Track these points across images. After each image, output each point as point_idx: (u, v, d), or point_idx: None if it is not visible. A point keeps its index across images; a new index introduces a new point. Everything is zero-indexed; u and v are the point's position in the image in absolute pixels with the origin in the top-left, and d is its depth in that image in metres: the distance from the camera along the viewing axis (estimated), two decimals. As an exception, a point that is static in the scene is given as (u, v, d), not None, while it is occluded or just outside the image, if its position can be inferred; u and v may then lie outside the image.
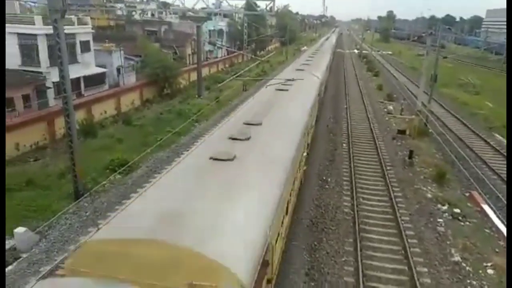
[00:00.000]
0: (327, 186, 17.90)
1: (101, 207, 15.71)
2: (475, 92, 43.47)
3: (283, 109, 13.84)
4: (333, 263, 12.43)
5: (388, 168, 20.14)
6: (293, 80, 18.15)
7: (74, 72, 26.14)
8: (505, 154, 22.75)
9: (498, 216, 15.40)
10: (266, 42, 77.99)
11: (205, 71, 46.03)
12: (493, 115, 32.42)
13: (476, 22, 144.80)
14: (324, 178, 18.76)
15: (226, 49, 61.95)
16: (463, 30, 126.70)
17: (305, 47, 72.49)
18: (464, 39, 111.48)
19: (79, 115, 25.00)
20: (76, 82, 28.32)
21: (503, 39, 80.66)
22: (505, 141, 25.95)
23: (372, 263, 12.49)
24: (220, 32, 63.00)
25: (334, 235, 14.01)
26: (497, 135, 27.18)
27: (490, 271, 12.52)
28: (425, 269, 12.30)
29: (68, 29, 24.40)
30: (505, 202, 16.45)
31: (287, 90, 17.06)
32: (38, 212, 15.32)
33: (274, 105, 14.20)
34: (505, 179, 19.15)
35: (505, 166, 21.18)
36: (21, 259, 12.70)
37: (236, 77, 33.56)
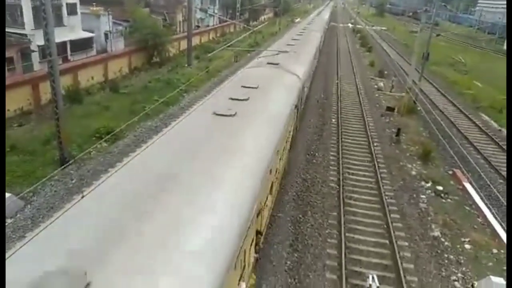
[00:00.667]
0: (314, 161, 18.03)
1: (86, 175, 15.61)
2: (465, 72, 43.59)
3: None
4: (316, 235, 12.70)
5: (375, 144, 20.33)
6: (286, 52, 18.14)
7: (60, 35, 25.24)
8: (490, 134, 23.12)
9: (479, 194, 15.79)
10: (259, 12, 76.28)
11: (195, 40, 44.99)
12: (480, 95, 32.67)
13: (471, 0, 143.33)
14: (312, 152, 18.88)
15: (218, 18, 60.45)
16: (459, 8, 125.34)
17: (298, 19, 71.12)
18: (458, 17, 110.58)
19: (65, 81, 24.35)
20: (62, 46, 27.43)
21: (497, 18, 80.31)
22: (492, 121, 26.32)
23: (355, 236, 12.79)
24: (212, -1, 61.25)
25: (318, 208, 14.24)
26: (484, 115, 27.52)
27: (467, 246, 12.96)
28: (406, 243, 12.66)
29: (53, -10, 23.45)
30: (487, 181, 16.85)
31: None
32: (22, 178, 15.15)
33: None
34: (491, 162, 19.55)
35: (490, 146, 21.59)
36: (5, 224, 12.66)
37: (228, 47, 32.84)
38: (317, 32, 34.76)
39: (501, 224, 13.83)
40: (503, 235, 13.21)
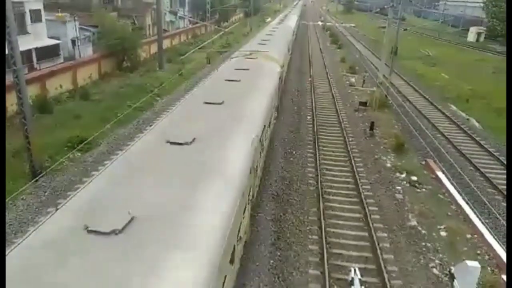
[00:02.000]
0: (291, 159, 18.17)
1: (60, 186, 15.16)
2: (432, 64, 44.94)
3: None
4: (298, 232, 12.80)
5: (350, 139, 20.68)
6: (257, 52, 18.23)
7: (25, 44, 24.45)
8: (459, 124, 23.93)
9: (451, 182, 16.32)
10: (229, 12, 76.15)
11: (166, 43, 44.44)
12: (448, 86, 33.77)
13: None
14: (289, 150, 19.01)
15: (189, 20, 59.96)
16: (423, 3, 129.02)
17: (269, 19, 71.49)
18: (423, 11, 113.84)
19: (32, 90, 23.52)
20: (27, 54, 26.56)
21: (459, 11, 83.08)
22: (459, 111, 27.23)
23: (335, 230, 12.97)
24: (182, 1, 60.65)
25: (298, 205, 14.36)
26: (452, 106, 28.45)
27: (442, 233, 13.36)
28: (385, 234, 12.94)
29: (14, -3, 22.64)
30: (459, 169, 17.42)
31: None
32: (-8, 193, 14.54)
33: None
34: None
35: (460, 135, 22.34)
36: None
37: (199, 49, 32.64)
38: (287, 32, 35.06)
39: (473, 210, 14.33)
40: (476, 221, 13.69)
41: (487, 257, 12.27)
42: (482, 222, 13.55)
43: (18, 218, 13.34)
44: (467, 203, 14.71)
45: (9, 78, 21.23)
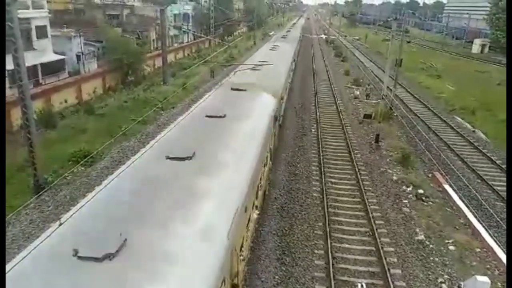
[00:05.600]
0: (296, 172, 18.01)
1: (63, 201, 15.09)
2: (437, 76, 44.89)
3: None
4: (303, 247, 12.58)
5: (355, 152, 20.51)
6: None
7: (30, 59, 24.74)
8: (465, 136, 23.71)
9: (458, 195, 16.06)
10: (233, 26, 76.93)
11: (171, 57, 44.91)
12: (454, 98, 33.63)
13: (438, 7, 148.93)
14: (294, 163, 18.86)
15: (193, 34, 60.57)
16: (426, 15, 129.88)
17: (273, 32, 72.10)
18: (426, 23, 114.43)
19: (37, 105, 23.76)
20: (33, 70, 26.85)
21: (463, 23, 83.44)
22: (465, 123, 27.03)
23: (341, 245, 12.74)
24: (185, 16, 61.42)
25: (304, 219, 14.16)
26: (458, 118, 28.25)
27: (451, 247, 13.08)
28: (392, 249, 12.68)
29: (22, 13, 23.04)
30: (466, 182, 17.18)
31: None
32: (-5, 208, 14.50)
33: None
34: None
35: (466, 147, 22.11)
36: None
37: (203, 63, 32.85)
38: (291, 46, 35.09)
39: (481, 223, 14.06)
40: (485, 234, 13.41)
41: (497, 272, 11.97)
42: (491, 236, 13.27)
43: (22, 232, 13.25)
44: (475, 216, 14.44)
45: (15, 93, 21.46)
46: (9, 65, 20.70)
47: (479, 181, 17.92)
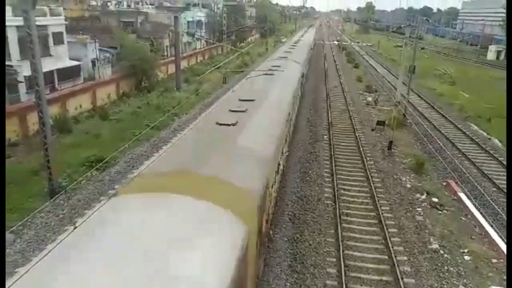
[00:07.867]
0: (308, 178, 17.93)
1: (77, 205, 15.28)
2: (451, 83, 44.35)
3: None
4: (315, 255, 12.48)
5: (368, 159, 20.33)
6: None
7: (47, 65, 25.22)
8: (480, 143, 23.32)
9: (473, 204, 15.77)
10: (246, 33, 77.40)
11: (183, 63, 45.26)
12: (468, 105, 33.13)
13: (451, 13, 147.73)
14: (305, 170, 18.78)
15: (206, 41, 61.12)
16: (440, 22, 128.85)
17: (285, 39, 72.26)
18: (440, 30, 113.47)
19: (53, 110, 24.17)
20: (49, 75, 27.34)
21: (477, 30, 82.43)
22: (480, 131, 26.59)
23: (354, 253, 12.60)
24: (198, 23, 62.05)
25: (316, 226, 14.06)
26: (473, 125, 27.82)
27: (466, 257, 12.83)
28: (405, 258, 12.50)
29: (39, 21, 23.54)
30: (481, 190, 16.86)
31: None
32: (12, 211, 14.75)
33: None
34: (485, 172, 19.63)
35: (481, 155, 21.73)
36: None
37: (216, 69, 33.07)
38: (302, 53, 34.81)
39: (498, 233, 13.76)
40: (501, 244, 13.12)
41: (515, 283, 11.67)
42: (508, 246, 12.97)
43: (36, 236, 13.44)
44: (491, 225, 14.15)
45: (32, 98, 21.91)
46: (27, 71, 21.20)
47: (495, 189, 17.58)
